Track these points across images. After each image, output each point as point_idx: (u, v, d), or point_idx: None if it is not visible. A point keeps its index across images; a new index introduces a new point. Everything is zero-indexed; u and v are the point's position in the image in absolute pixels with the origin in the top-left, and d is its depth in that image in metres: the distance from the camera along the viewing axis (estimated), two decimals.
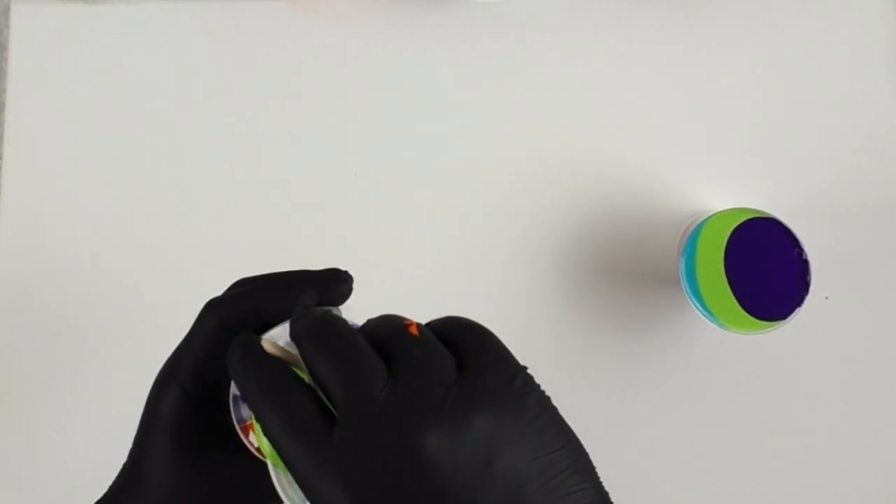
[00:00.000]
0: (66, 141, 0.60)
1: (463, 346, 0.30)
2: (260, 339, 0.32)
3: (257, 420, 0.30)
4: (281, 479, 0.32)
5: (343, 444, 0.28)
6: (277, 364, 0.31)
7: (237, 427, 0.35)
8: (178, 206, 0.60)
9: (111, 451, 0.37)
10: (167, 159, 0.60)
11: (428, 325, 0.32)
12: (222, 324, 0.35)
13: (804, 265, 0.50)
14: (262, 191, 0.59)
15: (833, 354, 0.57)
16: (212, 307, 0.36)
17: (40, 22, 0.61)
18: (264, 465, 0.34)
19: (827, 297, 0.57)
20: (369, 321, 0.32)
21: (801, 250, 0.50)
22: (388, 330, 0.31)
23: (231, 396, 0.35)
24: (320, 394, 0.30)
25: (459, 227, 0.59)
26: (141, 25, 0.61)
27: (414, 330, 0.30)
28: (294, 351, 0.31)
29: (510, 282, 0.58)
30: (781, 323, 0.50)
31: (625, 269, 0.58)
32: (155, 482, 0.36)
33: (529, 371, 0.30)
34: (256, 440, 0.34)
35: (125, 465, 0.37)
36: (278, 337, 0.34)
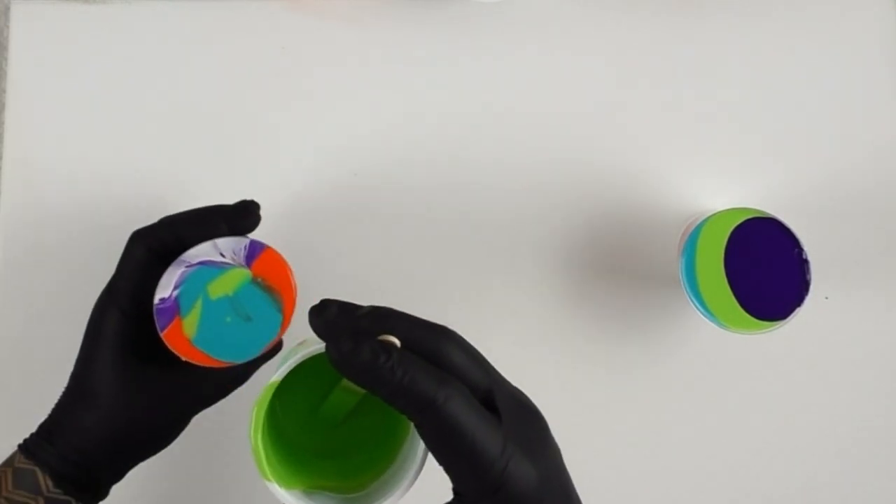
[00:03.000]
0: (67, 140, 0.60)
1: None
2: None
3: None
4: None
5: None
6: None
7: (160, 333, 0.41)
8: (179, 205, 0.59)
9: None
10: (167, 159, 0.60)
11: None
12: (150, 250, 0.42)
13: (804, 265, 0.50)
14: (261, 190, 0.59)
15: (833, 354, 0.57)
16: (139, 236, 0.43)
17: (40, 22, 0.61)
18: (200, 371, 0.41)
19: (827, 297, 0.57)
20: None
21: (801, 250, 0.50)
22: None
23: (154, 308, 0.41)
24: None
25: (459, 226, 0.59)
26: (141, 25, 0.61)
27: None
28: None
29: (510, 282, 0.58)
30: (781, 323, 0.50)
31: (625, 269, 0.58)
32: (100, 392, 0.41)
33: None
34: (178, 344, 0.40)
35: (69, 385, 0.43)
36: (196, 256, 0.41)
